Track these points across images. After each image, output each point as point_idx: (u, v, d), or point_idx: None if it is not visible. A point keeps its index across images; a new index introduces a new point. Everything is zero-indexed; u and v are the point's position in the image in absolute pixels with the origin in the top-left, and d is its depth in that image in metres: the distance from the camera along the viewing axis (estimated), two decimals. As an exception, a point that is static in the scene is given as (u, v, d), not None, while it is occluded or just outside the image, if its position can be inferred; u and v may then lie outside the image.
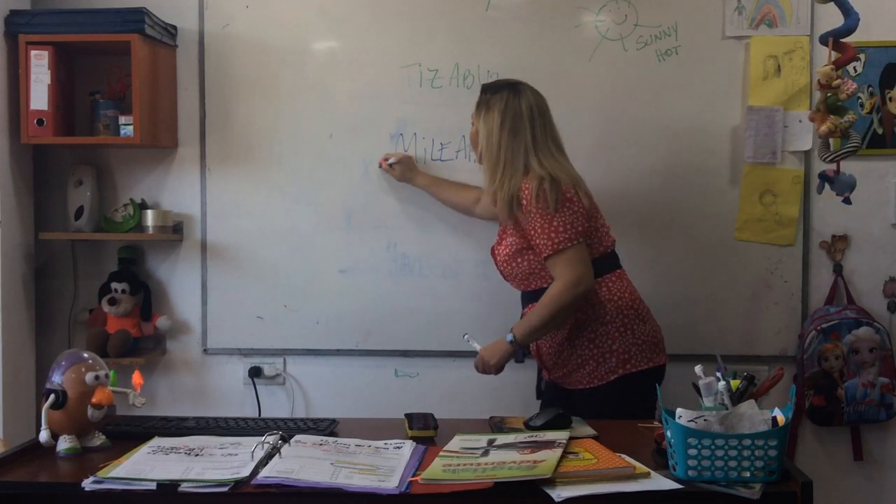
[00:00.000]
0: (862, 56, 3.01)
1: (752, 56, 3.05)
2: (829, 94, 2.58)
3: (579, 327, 2.57)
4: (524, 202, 2.50)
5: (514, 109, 2.57)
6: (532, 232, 2.51)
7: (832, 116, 2.57)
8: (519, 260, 2.59)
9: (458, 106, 3.09)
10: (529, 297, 2.64)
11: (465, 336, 2.74)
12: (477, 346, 2.68)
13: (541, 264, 2.56)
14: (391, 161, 3.05)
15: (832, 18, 2.74)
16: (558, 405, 2.47)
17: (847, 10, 2.57)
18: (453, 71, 3.11)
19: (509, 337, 2.58)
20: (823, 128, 2.58)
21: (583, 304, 2.54)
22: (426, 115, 3.12)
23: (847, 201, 2.74)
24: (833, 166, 2.71)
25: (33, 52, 2.93)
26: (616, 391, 2.56)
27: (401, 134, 3.13)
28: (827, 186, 2.76)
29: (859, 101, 3.04)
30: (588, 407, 2.47)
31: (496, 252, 2.70)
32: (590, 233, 2.55)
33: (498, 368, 2.64)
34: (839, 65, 2.59)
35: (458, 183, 3.06)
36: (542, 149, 2.56)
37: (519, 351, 2.63)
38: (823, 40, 2.63)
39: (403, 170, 3.06)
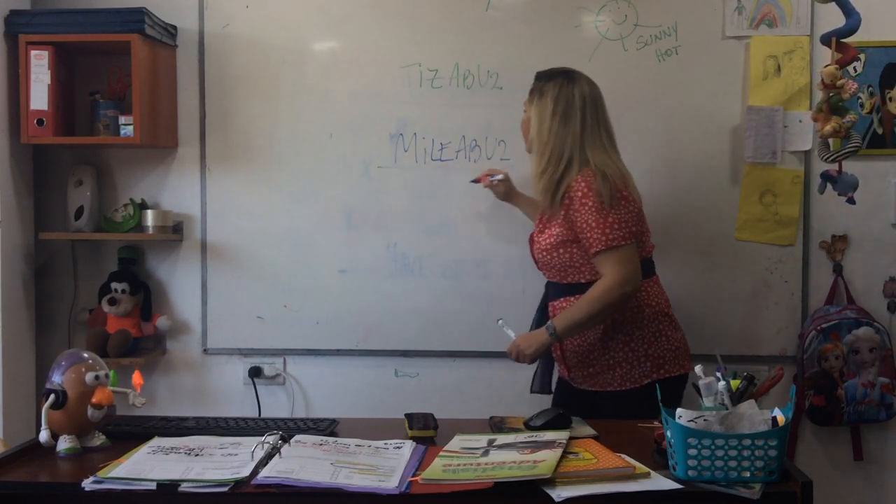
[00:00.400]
0: (862, 56, 3.01)
1: (752, 56, 3.05)
2: (831, 94, 2.58)
3: (615, 329, 2.54)
4: (579, 194, 2.47)
5: (566, 97, 2.54)
6: (584, 226, 2.47)
7: (835, 116, 2.57)
8: (561, 251, 2.55)
9: (458, 106, 3.10)
10: (560, 290, 2.60)
11: (500, 321, 2.68)
12: (512, 334, 2.64)
13: (582, 258, 2.53)
14: (499, 177, 2.96)
15: (832, 18, 2.74)
16: (569, 404, 2.48)
17: (848, 11, 2.57)
18: (453, 71, 3.11)
19: (550, 329, 2.53)
20: (828, 127, 2.57)
21: (621, 306, 2.52)
22: (426, 115, 3.12)
23: (851, 201, 2.75)
24: (833, 166, 2.72)
25: (33, 52, 2.93)
26: (648, 396, 2.50)
27: (401, 134, 3.13)
28: (829, 186, 2.76)
29: (859, 101, 3.04)
30: (616, 409, 2.46)
31: (536, 240, 2.65)
32: (638, 235, 2.54)
33: (532, 358, 2.60)
34: (841, 65, 2.59)
35: None
36: (591, 140, 2.53)
37: (537, 381, 2.64)
38: (825, 40, 2.63)
39: (507, 188, 2.98)
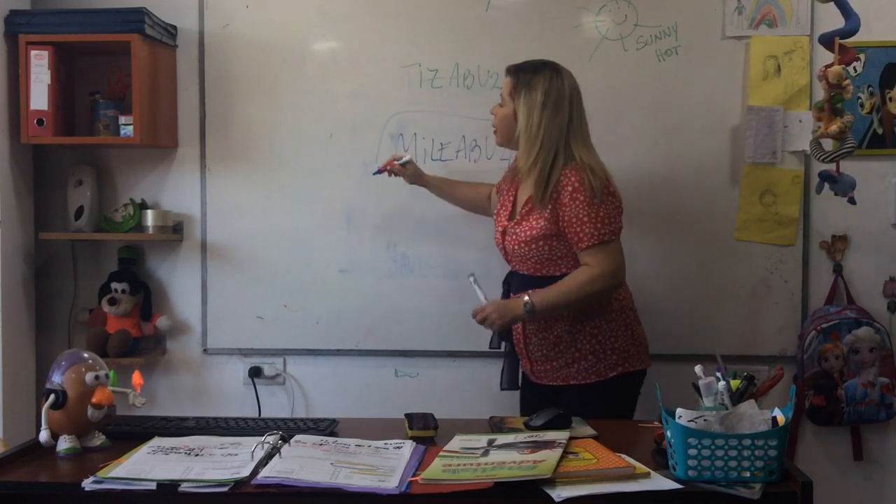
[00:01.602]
0: (862, 56, 3.01)
1: (752, 56, 3.05)
2: (833, 94, 2.58)
3: (583, 320, 2.54)
4: (570, 189, 2.48)
5: (557, 89, 2.54)
6: (574, 220, 2.47)
7: (838, 117, 2.58)
8: (541, 244, 2.54)
9: (458, 106, 3.10)
10: (529, 282, 2.58)
11: (471, 277, 2.68)
12: (482, 296, 2.63)
13: (561, 252, 2.53)
14: (405, 160, 2.93)
15: (832, 19, 2.74)
16: (531, 400, 2.49)
17: (848, 13, 2.57)
18: (453, 71, 3.11)
19: (527, 305, 2.50)
20: (834, 127, 2.57)
21: (600, 298, 2.53)
22: (426, 115, 3.12)
23: (852, 201, 2.75)
24: (828, 165, 2.71)
25: (33, 52, 2.93)
26: (611, 389, 2.55)
27: (401, 134, 3.13)
28: (826, 186, 2.76)
29: (859, 101, 3.04)
30: (578, 403, 2.40)
31: (511, 231, 2.61)
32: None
33: (501, 328, 2.58)
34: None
35: (469, 182, 3.01)
36: (576, 133, 2.54)
37: (495, 337, 2.63)
38: (825, 41, 2.62)
39: (414, 170, 2.97)
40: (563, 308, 2.52)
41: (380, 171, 2.96)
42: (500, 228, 2.68)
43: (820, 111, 2.63)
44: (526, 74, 2.59)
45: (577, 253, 2.51)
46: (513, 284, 2.66)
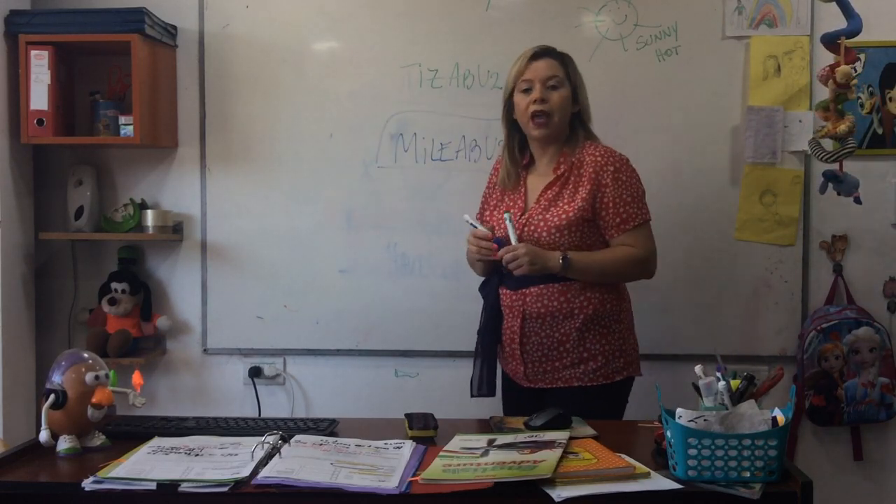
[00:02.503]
0: (862, 56, 3.01)
1: (752, 56, 3.05)
2: (838, 94, 2.57)
3: (593, 319, 2.45)
4: (612, 169, 2.47)
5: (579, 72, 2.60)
6: (618, 199, 2.44)
7: (847, 116, 2.58)
8: (573, 229, 2.44)
9: (458, 106, 3.10)
10: (547, 277, 2.43)
11: (466, 216, 2.56)
12: (514, 236, 2.43)
13: (592, 239, 2.46)
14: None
15: (832, 19, 2.74)
16: (519, 404, 2.45)
17: (850, 14, 2.57)
18: (453, 71, 3.11)
19: (565, 260, 2.39)
20: (843, 127, 2.57)
21: (604, 296, 2.46)
22: (426, 115, 3.12)
23: (858, 201, 2.74)
24: (828, 165, 2.71)
25: (33, 52, 2.93)
26: (618, 393, 2.51)
27: (401, 134, 3.13)
28: (830, 186, 2.75)
29: (859, 100, 3.04)
30: (573, 406, 2.23)
31: (534, 221, 2.47)
32: None
33: (529, 272, 2.39)
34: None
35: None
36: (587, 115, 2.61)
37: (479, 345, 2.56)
38: (827, 41, 2.62)
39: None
40: (595, 277, 2.43)
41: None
42: (521, 219, 2.51)
43: (825, 111, 2.62)
44: (565, 56, 2.59)
45: (615, 236, 2.45)
46: (517, 278, 2.46)
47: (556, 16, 3.08)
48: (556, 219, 2.45)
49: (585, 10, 3.09)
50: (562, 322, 2.46)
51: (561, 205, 2.47)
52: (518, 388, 2.58)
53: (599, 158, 2.48)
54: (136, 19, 2.93)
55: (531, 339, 2.50)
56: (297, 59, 3.15)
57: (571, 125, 2.56)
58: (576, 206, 2.45)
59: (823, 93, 2.66)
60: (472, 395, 2.61)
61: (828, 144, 2.67)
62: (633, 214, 2.46)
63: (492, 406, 2.82)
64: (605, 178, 2.46)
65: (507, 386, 2.65)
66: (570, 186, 2.48)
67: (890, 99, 3.06)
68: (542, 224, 2.47)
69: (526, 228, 2.49)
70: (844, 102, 2.59)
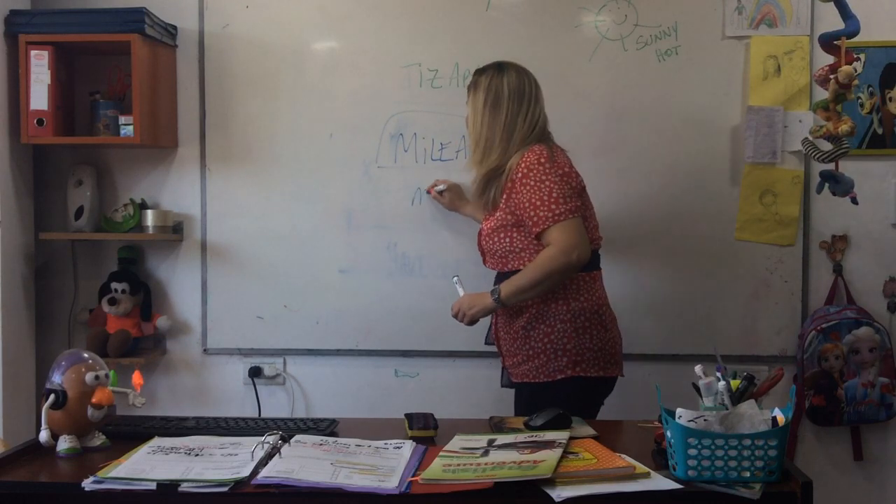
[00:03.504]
0: (862, 56, 3.01)
1: (752, 56, 3.05)
2: (838, 94, 2.57)
3: (539, 318, 2.53)
4: (519, 174, 2.49)
5: (495, 88, 2.58)
6: (527, 205, 2.48)
7: (846, 116, 2.58)
8: (501, 235, 2.56)
9: (458, 106, 3.08)
10: (503, 279, 2.58)
11: (455, 278, 2.73)
12: (461, 291, 2.68)
13: (522, 243, 2.53)
14: (440, 188, 3.05)
15: (832, 19, 2.74)
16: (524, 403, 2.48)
17: (847, 15, 2.57)
18: (453, 71, 3.11)
19: (495, 293, 2.53)
20: (844, 126, 2.57)
21: (548, 296, 2.51)
22: (426, 115, 3.12)
23: (854, 201, 2.74)
24: (825, 165, 2.71)
25: (33, 52, 2.93)
26: (561, 391, 2.50)
27: (401, 134, 3.13)
28: (826, 186, 2.75)
29: (859, 100, 3.04)
30: (533, 403, 2.41)
31: (482, 230, 2.66)
32: (581, 210, 2.54)
33: (472, 320, 2.61)
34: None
35: None
36: (521, 130, 2.56)
37: (491, 333, 2.66)
38: (825, 41, 2.62)
39: (452, 197, 3.05)
40: (529, 290, 2.50)
41: (428, 192, 3.09)
42: (479, 234, 2.72)
43: (826, 110, 2.62)
44: (475, 76, 2.66)
45: (538, 237, 2.50)
46: (496, 284, 2.64)
47: (556, 16, 3.08)
48: (487, 227, 2.61)
49: (585, 10, 3.09)
50: (513, 320, 2.59)
51: (496, 212, 2.59)
52: (510, 381, 2.70)
53: (515, 163, 2.52)
54: (136, 19, 2.93)
55: (500, 334, 2.66)
56: (297, 59, 3.15)
57: (507, 137, 2.56)
58: (497, 216, 2.57)
59: (824, 93, 2.65)
60: (502, 386, 2.75)
61: (823, 144, 2.67)
62: (543, 217, 2.46)
63: (492, 406, 2.82)
64: (515, 182, 2.51)
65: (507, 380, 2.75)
66: (505, 194, 2.56)
67: (890, 99, 3.06)
68: (483, 230, 2.65)
69: (480, 239, 2.67)
70: (843, 103, 2.59)
